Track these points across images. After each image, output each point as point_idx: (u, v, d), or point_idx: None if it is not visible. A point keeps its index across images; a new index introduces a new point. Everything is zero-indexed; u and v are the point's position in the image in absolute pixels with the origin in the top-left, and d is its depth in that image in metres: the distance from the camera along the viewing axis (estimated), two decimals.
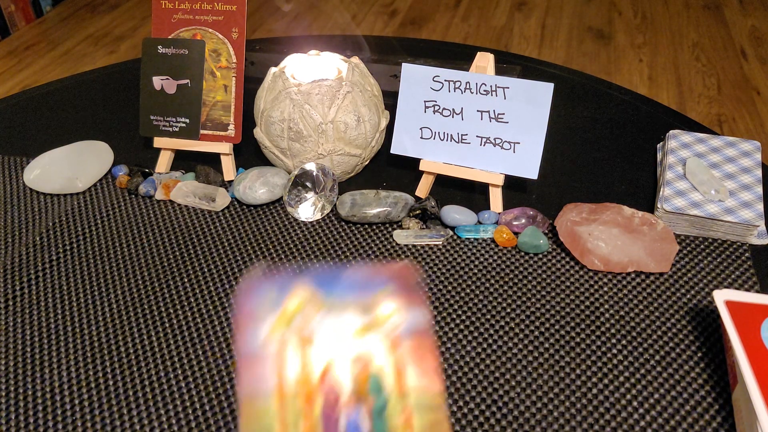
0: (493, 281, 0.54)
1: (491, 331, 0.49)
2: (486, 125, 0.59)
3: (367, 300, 0.33)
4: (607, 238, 0.54)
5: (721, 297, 0.46)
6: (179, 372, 0.47)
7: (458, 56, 0.84)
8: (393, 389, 0.31)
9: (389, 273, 0.33)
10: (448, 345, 0.48)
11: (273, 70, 0.62)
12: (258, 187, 0.61)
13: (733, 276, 0.54)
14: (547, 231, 0.58)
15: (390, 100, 0.73)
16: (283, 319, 0.32)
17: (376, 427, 0.30)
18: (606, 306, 0.51)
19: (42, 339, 0.50)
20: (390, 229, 0.59)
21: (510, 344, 0.48)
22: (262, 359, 0.31)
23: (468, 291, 0.53)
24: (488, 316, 0.51)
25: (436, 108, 0.60)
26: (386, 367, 0.31)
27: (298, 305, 0.32)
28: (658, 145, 0.67)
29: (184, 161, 0.68)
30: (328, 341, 0.32)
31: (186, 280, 0.55)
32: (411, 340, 0.32)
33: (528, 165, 0.58)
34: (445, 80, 0.59)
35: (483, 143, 0.59)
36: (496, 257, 0.56)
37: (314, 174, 0.60)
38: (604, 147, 0.69)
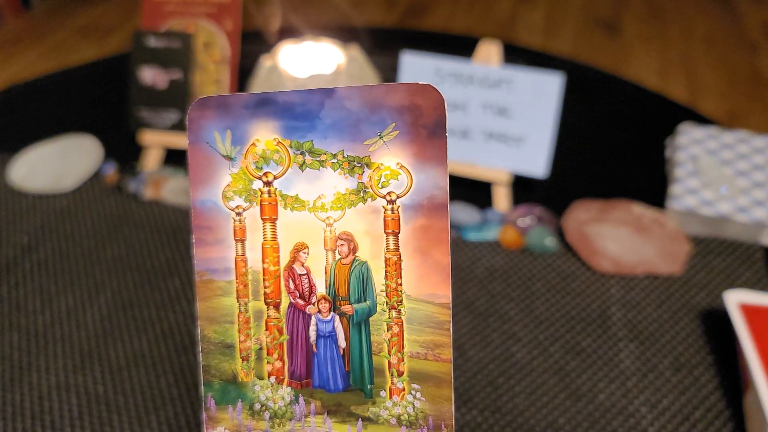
0: (497, 283, 0.52)
1: (495, 335, 0.48)
2: (490, 120, 0.57)
3: (356, 150, 0.22)
4: (617, 239, 0.52)
5: (733, 299, 0.45)
6: (170, 377, 0.45)
7: (461, 47, 0.82)
8: (382, 291, 0.23)
9: (396, 102, 0.22)
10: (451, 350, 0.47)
11: (266, 62, 0.60)
12: None
13: (744, 277, 0.52)
14: (554, 231, 0.56)
15: None
16: (239, 177, 0.23)
17: (354, 339, 0.23)
18: (615, 308, 0.50)
19: (29, 343, 0.48)
20: None
21: (515, 349, 0.47)
22: (216, 228, 0.23)
23: (471, 294, 0.51)
24: (492, 320, 0.49)
25: None
26: (376, 258, 0.23)
27: (258, 158, 0.23)
28: (668, 141, 0.65)
29: (174, 158, 0.66)
30: (299, 213, 0.23)
31: (177, 281, 0.53)
32: (417, 221, 0.22)
33: (535, 161, 0.56)
34: (448, 72, 0.57)
35: (487, 139, 0.57)
36: (500, 258, 0.54)
37: None
38: (613, 142, 0.67)
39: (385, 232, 0.23)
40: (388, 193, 0.23)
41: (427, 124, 0.22)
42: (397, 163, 0.22)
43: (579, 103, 0.73)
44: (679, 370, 0.45)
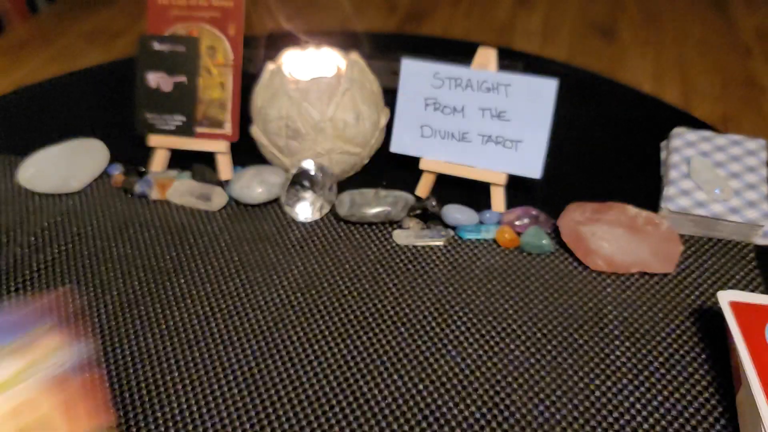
0: (495, 282, 0.53)
1: (493, 333, 0.49)
2: (488, 123, 0.58)
3: (24, 341, 0.28)
4: (611, 239, 0.53)
5: (726, 298, 0.45)
6: (176, 374, 0.46)
7: (459, 52, 0.83)
8: None
9: (45, 307, 0.28)
10: (449, 347, 0.48)
11: (270, 66, 0.61)
12: (255, 186, 0.60)
13: (737, 276, 0.53)
14: (550, 231, 0.57)
15: (390, 97, 0.72)
16: None
17: None
18: (609, 307, 0.51)
19: None
20: (390, 229, 0.59)
21: (512, 346, 0.48)
22: None
23: (470, 292, 0.52)
24: (490, 318, 0.50)
25: (437, 105, 0.59)
26: (54, 411, 0.27)
27: None
28: (662, 144, 0.66)
29: (180, 160, 0.67)
30: None
31: (183, 280, 0.54)
32: (77, 377, 0.28)
33: (531, 164, 0.57)
34: (446, 77, 0.58)
35: (484, 141, 0.58)
36: (498, 258, 0.55)
37: (312, 173, 0.59)
38: (608, 145, 0.69)
39: (58, 390, 0.28)
40: (54, 364, 0.28)
41: (69, 315, 0.27)
42: (56, 344, 0.28)
43: (575, 107, 0.74)
44: (673, 368, 0.46)
